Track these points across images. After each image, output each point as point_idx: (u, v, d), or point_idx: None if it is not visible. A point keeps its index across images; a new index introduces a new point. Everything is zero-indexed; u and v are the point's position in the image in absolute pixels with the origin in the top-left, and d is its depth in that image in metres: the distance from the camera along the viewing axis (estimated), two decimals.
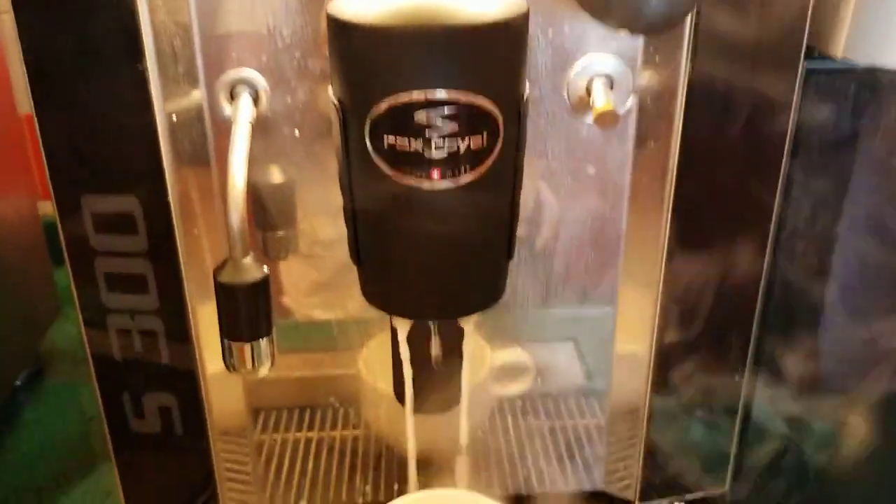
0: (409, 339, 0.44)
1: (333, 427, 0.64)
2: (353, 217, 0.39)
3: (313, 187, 0.51)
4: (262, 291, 0.42)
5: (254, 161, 0.50)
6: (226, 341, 0.43)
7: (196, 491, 0.55)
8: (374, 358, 0.60)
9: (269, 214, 0.53)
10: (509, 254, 0.41)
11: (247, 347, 0.43)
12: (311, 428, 0.65)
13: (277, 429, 0.64)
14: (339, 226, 0.46)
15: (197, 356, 0.50)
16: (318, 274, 0.58)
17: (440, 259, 0.38)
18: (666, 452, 0.57)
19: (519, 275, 0.54)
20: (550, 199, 0.52)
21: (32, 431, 0.79)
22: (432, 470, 0.53)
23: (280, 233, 0.54)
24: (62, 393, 0.83)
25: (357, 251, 0.40)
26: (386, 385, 0.51)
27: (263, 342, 0.43)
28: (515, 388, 0.62)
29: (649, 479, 0.57)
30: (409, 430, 0.47)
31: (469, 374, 0.47)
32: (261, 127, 0.47)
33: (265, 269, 0.42)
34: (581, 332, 0.65)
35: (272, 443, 0.62)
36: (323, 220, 0.53)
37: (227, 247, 0.42)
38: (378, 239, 0.39)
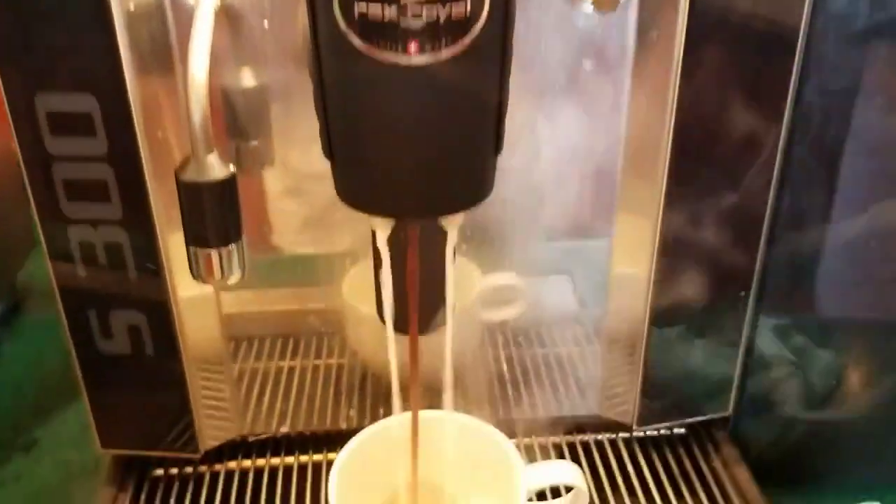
0: (391, 246, 0.41)
1: (318, 356, 0.62)
2: (323, 103, 0.35)
3: (287, 89, 0.47)
4: (228, 192, 0.39)
5: (222, 60, 0.47)
6: (192, 248, 0.40)
7: (172, 418, 0.52)
8: (358, 282, 0.57)
9: (240, 121, 0.50)
10: (497, 147, 0.37)
11: (214, 254, 0.40)
12: (293, 356, 0.62)
13: (259, 357, 0.61)
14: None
15: (165, 269, 0.47)
16: (305, 209, 0.55)
17: (420, 147, 0.34)
18: (665, 376, 0.55)
19: (508, 194, 0.51)
20: (543, 110, 0.48)
21: (9, 366, 0.76)
22: (420, 394, 0.50)
23: (253, 142, 0.51)
24: (40, 328, 0.80)
25: (329, 143, 0.36)
26: (369, 308, 0.48)
27: (233, 248, 0.40)
28: (506, 313, 0.59)
29: (648, 404, 0.55)
30: (391, 345, 0.44)
31: (453, 289, 0.44)
32: (227, 19, 0.44)
33: (231, 167, 0.39)
34: (578, 256, 0.61)
35: (253, 371, 0.59)
36: (308, 153, 0.50)
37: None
38: (351, 126, 0.35)
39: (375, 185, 0.36)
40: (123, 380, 0.51)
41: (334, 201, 0.54)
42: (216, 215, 0.39)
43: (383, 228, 0.39)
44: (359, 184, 0.37)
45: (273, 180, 0.54)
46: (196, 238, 0.39)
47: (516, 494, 0.43)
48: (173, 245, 0.46)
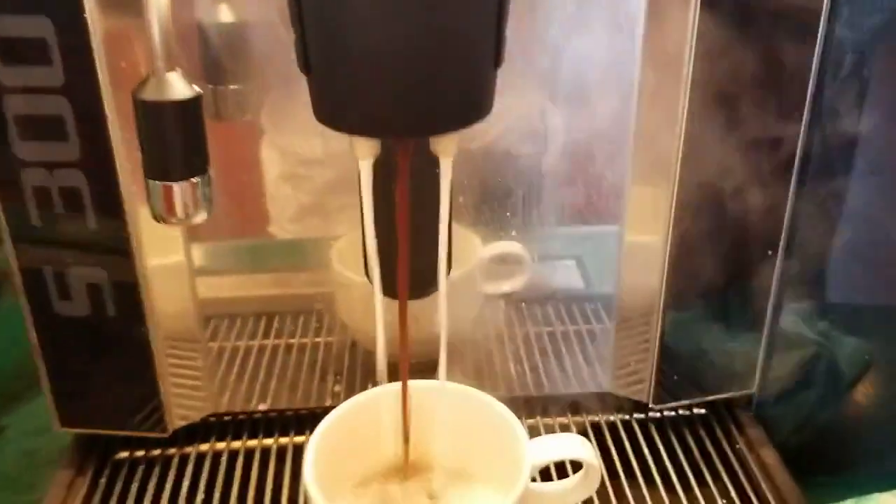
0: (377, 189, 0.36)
1: (304, 334, 0.56)
2: (298, 9, 0.31)
3: (268, 22, 0.43)
4: (192, 114, 0.34)
5: None
6: (151, 182, 0.35)
7: (137, 393, 0.47)
8: (347, 249, 0.52)
9: (218, 63, 0.45)
10: (496, 60, 0.33)
11: (176, 188, 0.35)
12: (278, 335, 0.56)
13: (241, 335, 0.56)
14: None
15: (128, 219, 0.42)
16: (302, 196, 0.51)
17: (407, 50, 0.30)
18: (684, 349, 0.50)
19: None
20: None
21: None
22: (417, 367, 0.45)
23: (232, 86, 0.46)
24: (13, 314, 0.76)
25: (305, 54, 0.32)
26: (358, 274, 0.43)
27: (197, 182, 0.35)
28: (509, 284, 0.55)
29: (664, 380, 0.50)
30: (377, 300, 0.39)
31: (447, 242, 0.39)
32: None
33: (196, 88, 0.34)
34: (588, 224, 0.56)
35: (231, 345, 0.54)
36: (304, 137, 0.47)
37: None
38: (329, 28, 0.30)
39: (357, 97, 0.31)
40: (83, 347, 0.46)
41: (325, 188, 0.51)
42: (178, 142, 0.34)
43: (366, 156, 0.34)
44: (339, 97, 0.32)
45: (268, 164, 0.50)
46: (155, 169, 0.35)
47: (520, 470, 0.38)
48: (138, 191, 0.42)
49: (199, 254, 0.48)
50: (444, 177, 0.35)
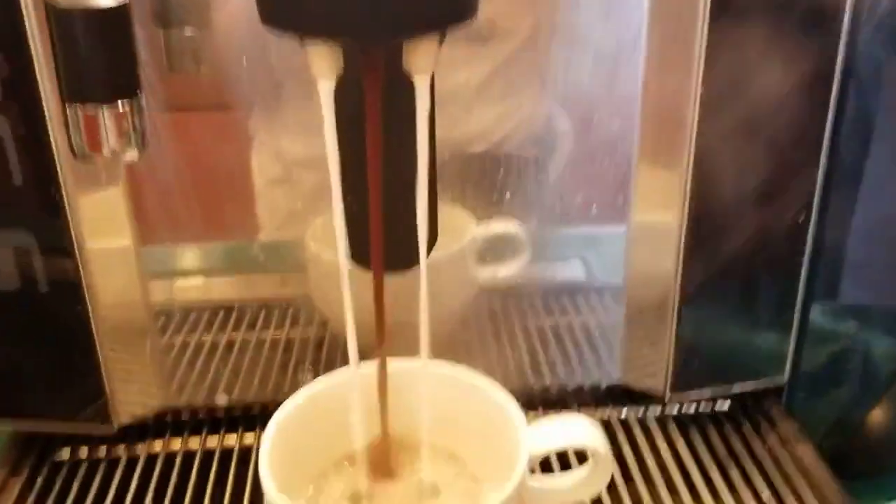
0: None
1: (278, 326, 0.50)
2: None
3: None
4: (118, 25, 0.29)
5: None
6: (71, 108, 0.30)
7: (77, 383, 0.41)
8: (324, 231, 0.46)
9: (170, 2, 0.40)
10: None
11: (101, 114, 0.30)
12: (250, 328, 0.50)
13: (206, 330, 0.49)
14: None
15: (59, 173, 0.37)
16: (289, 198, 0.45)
17: None
18: (703, 334, 0.43)
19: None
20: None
21: None
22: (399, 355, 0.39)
23: (187, 31, 0.41)
24: None
25: None
26: (332, 254, 0.37)
27: (125, 107, 0.30)
28: (505, 268, 0.49)
29: (682, 370, 0.43)
30: (342, 260, 0.33)
31: (426, 187, 0.33)
32: None
33: None
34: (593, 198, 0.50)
35: (190, 336, 0.47)
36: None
37: None
38: None
39: None
40: (14, 328, 0.40)
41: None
42: (101, 56, 0.29)
43: (326, 72, 0.28)
44: None
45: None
46: (75, 91, 0.29)
47: (515, 460, 0.32)
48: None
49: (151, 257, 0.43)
50: (421, 99, 0.30)
